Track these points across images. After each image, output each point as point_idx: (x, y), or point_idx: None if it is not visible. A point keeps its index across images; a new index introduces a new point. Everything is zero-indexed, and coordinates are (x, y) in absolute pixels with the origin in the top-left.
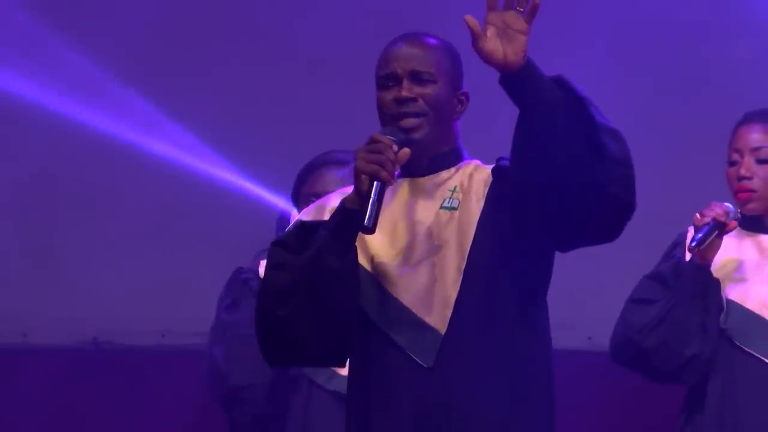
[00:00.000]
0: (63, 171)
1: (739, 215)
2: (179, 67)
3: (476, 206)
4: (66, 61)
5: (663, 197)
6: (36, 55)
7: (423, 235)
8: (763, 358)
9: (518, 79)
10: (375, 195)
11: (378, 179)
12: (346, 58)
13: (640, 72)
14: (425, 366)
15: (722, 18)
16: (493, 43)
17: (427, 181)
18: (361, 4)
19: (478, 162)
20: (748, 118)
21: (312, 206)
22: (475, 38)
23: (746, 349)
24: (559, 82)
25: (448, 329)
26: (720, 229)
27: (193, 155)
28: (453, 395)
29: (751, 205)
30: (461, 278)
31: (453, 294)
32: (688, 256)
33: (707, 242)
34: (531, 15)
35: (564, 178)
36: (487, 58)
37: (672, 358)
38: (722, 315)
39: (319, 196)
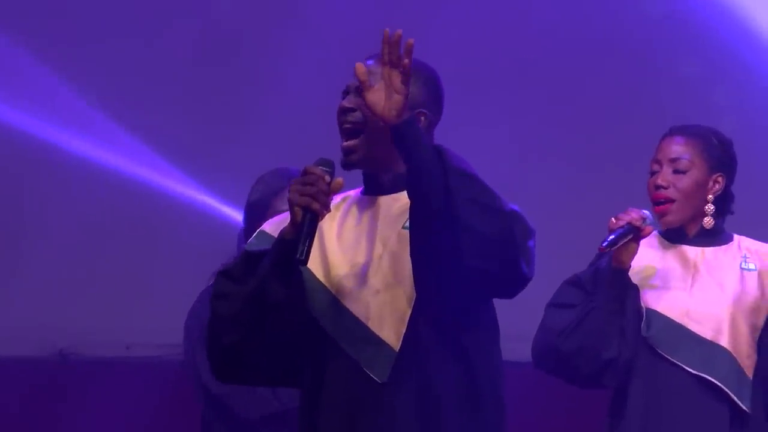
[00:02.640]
0: (27, 184)
1: (658, 226)
2: (136, 78)
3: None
4: (18, 70)
5: (610, 212)
6: None
7: (383, 252)
8: (685, 366)
9: (397, 134)
10: (306, 228)
11: (310, 211)
12: (310, 72)
13: (584, 88)
14: (378, 381)
15: (668, 36)
16: (377, 96)
17: (390, 200)
18: (327, 22)
19: None
20: (671, 131)
21: (275, 220)
22: (362, 87)
23: (669, 357)
24: (438, 151)
25: (402, 345)
26: (635, 233)
27: (155, 170)
28: (404, 410)
29: (668, 218)
30: (416, 296)
31: (408, 311)
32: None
33: (619, 244)
34: (406, 76)
35: (430, 243)
36: (370, 109)
37: (591, 361)
38: (643, 323)
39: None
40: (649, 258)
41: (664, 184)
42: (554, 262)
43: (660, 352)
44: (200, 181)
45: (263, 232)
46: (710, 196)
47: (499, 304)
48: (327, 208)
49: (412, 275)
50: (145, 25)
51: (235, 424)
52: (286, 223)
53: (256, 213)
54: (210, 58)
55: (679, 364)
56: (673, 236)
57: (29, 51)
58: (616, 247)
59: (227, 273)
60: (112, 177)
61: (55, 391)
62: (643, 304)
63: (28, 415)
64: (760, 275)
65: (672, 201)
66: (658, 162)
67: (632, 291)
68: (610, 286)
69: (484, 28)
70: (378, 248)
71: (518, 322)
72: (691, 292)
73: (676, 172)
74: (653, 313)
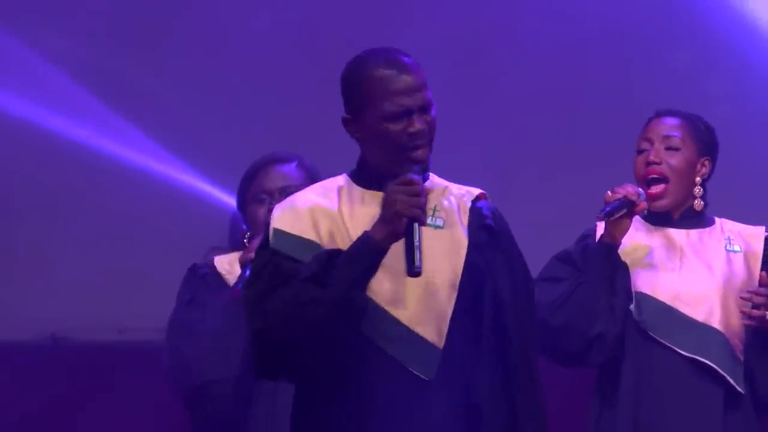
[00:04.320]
0: (19, 171)
1: (646, 211)
2: (133, 68)
3: (460, 229)
4: (21, 62)
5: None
6: None
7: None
8: (679, 350)
9: None
10: (418, 238)
11: (418, 222)
12: (301, 61)
13: (574, 78)
14: (425, 379)
15: (660, 25)
16: None
17: None
18: (317, 11)
19: (441, 182)
20: (660, 113)
21: (284, 212)
22: None
23: (662, 341)
24: None
25: (445, 343)
26: (629, 207)
27: (147, 155)
28: (450, 407)
29: (663, 201)
30: (456, 294)
31: (449, 309)
32: (599, 233)
33: (615, 216)
34: None
35: None
36: None
37: (578, 337)
38: (633, 307)
39: (269, 192)
40: (637, 237)
41: (657, 159)
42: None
43: (653, 335)
44: (192, 165)
45: (284, 233)
46: (698, 178)
47: None
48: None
49: (448, 272)
50: (142, 13)
51: (220, 406)
52: (303, 221)
53: (239, 199)
54: (205, 46)
55: (673, 347)
56: (658, 219)
57: (28, 42)
58: (612, 218)
59: (312, 278)
60: (103, 162)
61: (48, 376)
62: (634, 287)
63: (21, 399)
64: (746, 256)
65: (666, 181)
66: (649, 140)
67: (622, 270)
68: (600, 262)
69: (474, 21)
70: (435, 248)
71: None
72: (680, 274)
73: (668, 149)
74: (643, 297)
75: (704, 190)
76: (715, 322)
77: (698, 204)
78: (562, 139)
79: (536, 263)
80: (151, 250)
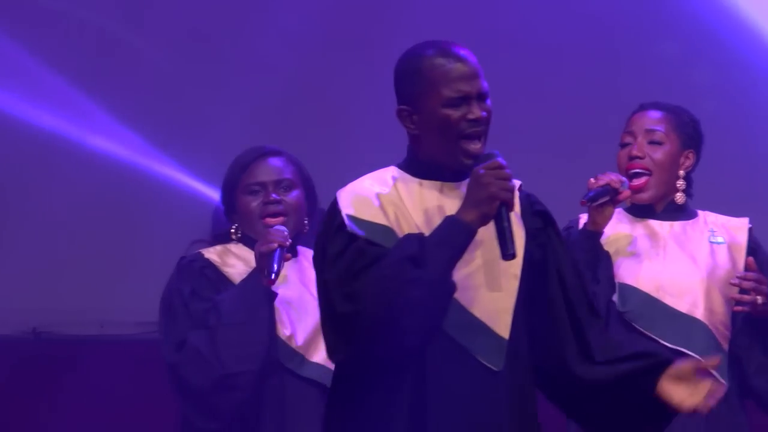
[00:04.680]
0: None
1: (629, 201)
2: (111, 57)
3: (516, 219)
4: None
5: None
6: None
7: (478, 239)
8: (660, 340)
9: None
10: (508, 221)
11: (508, 206)
12: (282, 55)
13: (560, 69)
14: (495, 369)
15: (647, 16)
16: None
17: (458, 187)
18: (302, 6)
19: None
20: (644, 106)
21: (352, 199)
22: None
23: (644, 331)
24: None
25: (510, 334)
26: (612, 195)
27: (127, 147)
28: (515, 397)
29: (645, 194)
30: (518, 285)
31: (512, 301)
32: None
33: (599, 201)
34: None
35: None
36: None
37: None
38: (617, 298)
39: (263, 185)
40: (618, 230)
41: (640, 154)
42: None
43: (636, 326)
44: (175, 159)
45: (358, 218)
46: (682, 171)
47: None
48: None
49: (509, 264)
50: (126, 7)
51: (239, 399)
52: (372, 208)
53: (227, 190)
54: (188, 40)
55: (656, 338)
56: (641, 211)
57: (6, 34)
58: (596, 203)
59: (410, 258)
60: (86, 156)
61: (29, 370)
62: (617, 278)
63: (2, 393)
64: (729, 248)
65: (648, 174)
66: (632, 134)
67: (605, 259)
68: (582, 249)
69: (461, 13)
70: (476, 239)
71: None
72: (664, 265)
73: (651, 143)
74: (627, 288)
75: (688, 182)
76: (699, 314)
77: (680, 197)
78: (548, 131)
79: None
80: (132, 243)
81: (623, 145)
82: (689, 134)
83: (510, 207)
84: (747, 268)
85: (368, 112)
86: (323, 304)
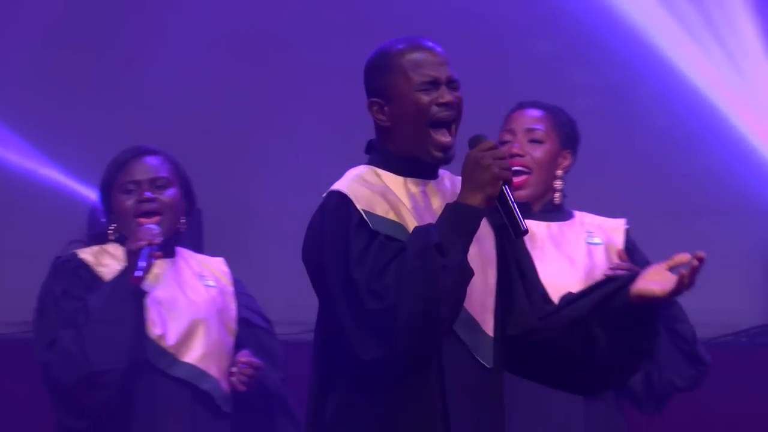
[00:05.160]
0: None
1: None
2: None
3: (485, 220)
4: None
5: None
6: None
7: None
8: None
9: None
10: (513, 199)
11: (508, 184)
12: (163, 51)
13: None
14: (488, 366)
15: (524, 15)
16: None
17: (436, 185)
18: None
19: (443, 171)
20: (523, 105)
21: (361, 196)
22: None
23: None
24: None
25: (493, 334)
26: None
27: (1, 145)
28: (504, 393)
29: (523, 192)
30: (495, 283)
31: (492, 300)
32: None
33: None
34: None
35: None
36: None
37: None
38: None
39: (138, 183)
40: None
41: (520, 152)
42: None
43: None
44: (51, 158)
45: (373, 214)
46: (559, 171)
47: None
48: None
49: (492, 266)
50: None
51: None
52: (380, 203)
53: (104, 189)
54: (68, 39)
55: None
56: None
57: None
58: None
59: (437, 247)
60: None
61: None
62: None
63: None
64: (606, 249)
65: (528, 172)
66: (512, 131)
67: None
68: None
69: (347, 12)
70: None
71: None
72: (541, 266)
73: (531, 141)
74: None
75: (563, 182)
76: None
77: (558, 197)
78: None
79: None
80: (7, 243)
81: (502, 143)
82: (567, 134)
83: (510, 185)
84: (620, 259)
85: (252, 112)
86: (349, 304)
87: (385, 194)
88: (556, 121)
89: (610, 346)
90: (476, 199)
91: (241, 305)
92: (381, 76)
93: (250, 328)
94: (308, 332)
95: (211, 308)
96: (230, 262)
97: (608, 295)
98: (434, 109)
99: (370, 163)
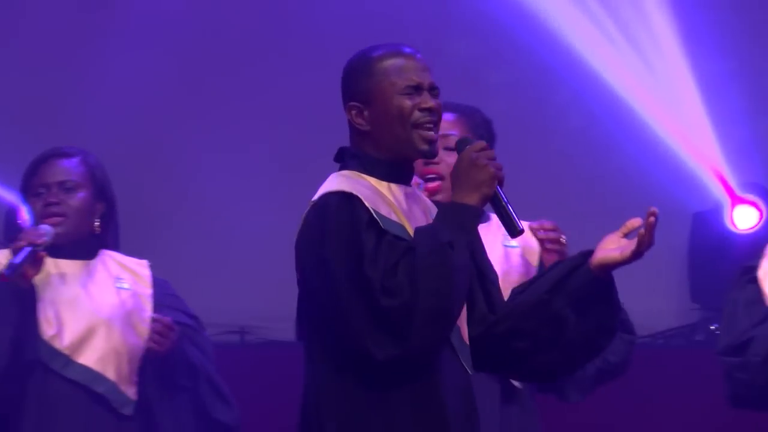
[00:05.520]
0: None
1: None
2: None
3: None
4: None
5: None
6: None
7: None
8: None
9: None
10: (506, 200)
11: (501, 185)
12: (86, 55)
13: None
14: (470, 373)
15: (440, 15)
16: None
17: (413, 191)
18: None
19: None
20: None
21: (366, 197)
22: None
23: None
24: None
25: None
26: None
27: None
28: (478, 399)
29: (438, 197)
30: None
31: (465, 310)
32: None
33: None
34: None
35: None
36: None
37: None
38: None
39: (47, 186)
40: None
41: (435, 159)
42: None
43: None
44: None
45: (379, 214)
46: None
47: None
48: None
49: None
50: None
51: None
52: (383, 205)
53: (22, 192)
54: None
55: None
56: None
57: None
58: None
59: (449, 244)
60: None
61: None
62: None
63: None
64: (523, 252)
65: (442, 178)
66: None
67: None
68: None
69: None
70: None
71: None
72: None
73: (446, 149)
74: None
75: None
76: None
77: None
78: (338, 134)
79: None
80: None
81: None
82: (483, 136)
83: (502, 185)
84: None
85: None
86: (360, 302)
87: (381, 195)
88: (470, 123)
89: (578, 324)
90: (473, 199)
91: (165, 306)
92: (361, 80)
93: (178, 328)
94: (226, 333)
95: (118, 310)
96: (152, 263)
97: (566, 274)
98: (417, 114)
99: (344, 169)
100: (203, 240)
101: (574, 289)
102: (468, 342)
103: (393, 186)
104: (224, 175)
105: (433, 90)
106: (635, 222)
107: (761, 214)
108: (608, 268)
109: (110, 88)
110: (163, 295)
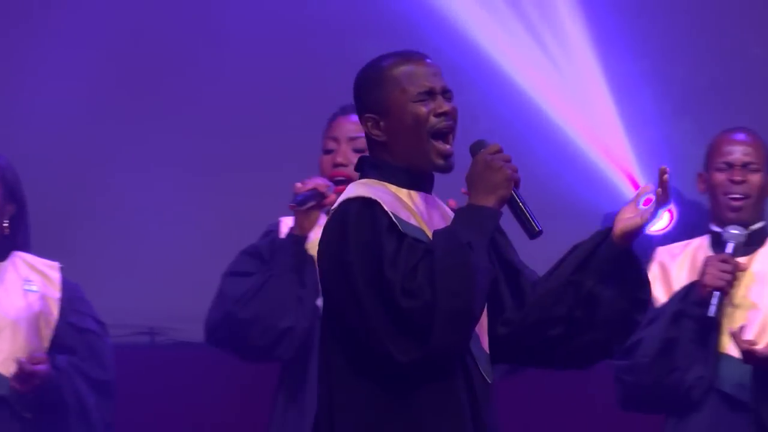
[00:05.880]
0: None
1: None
2: None
3: None
4: None
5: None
6: None
7: None
8: None
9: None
10: (524, 201)
11: (516, 186)
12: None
13: (261, 70)
14: (489, 381)
15: (349, 15)
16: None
17: (433, 199)
18: None
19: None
20: (346, 110)
21: (386, 201)
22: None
23: None
24: None
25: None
26: (319, 199)
27: None
28: (496, 409)
29: None
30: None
31: (486, 321)
32: (283, 229)
33: (307, 206)
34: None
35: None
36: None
37: (267, 330)
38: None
39: None
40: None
41: (344, 161)
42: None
43: None
44: None
45: (399, 218)
46: None
47: None
48: None
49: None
50: None
51: None
52: (403, 210)
53: None
54: None
55: None
56: None
57: None
58: (304, 207)
59: (469, 245)
60: None
61: None
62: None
63: None
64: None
65: (351, 180)
66: (336, 140)
67: (310, 263)
68: (288, 254)
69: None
70: None
71: None
72: None
73: (355, 150)
74: None
75: None
76: None
77: None
78: (248, 136)
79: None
80: None
81: (327, 152)
82: None
83: (518, 187)
84: None
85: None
86: (380, 305)
87: (401, 201)
88: None
89: (611, 301)
90: (490, 201)
91: (73, 310)
92: (374, 91)
93: (81, 333)
94: (136, 334)
95: (24, 313)
96: (64, 264)
97: (590, 253)
98: (433, 120)
99: (368, 175)
100: (114, 241)
101: (602, 264)
102: (488, 350)
103: (413, 193)
104: (137, 176)
105: (446, 93)
106: (647, 188)
107: (672, 216)
108: (630, 236)
109: (22, 88)
110: (72, 299)
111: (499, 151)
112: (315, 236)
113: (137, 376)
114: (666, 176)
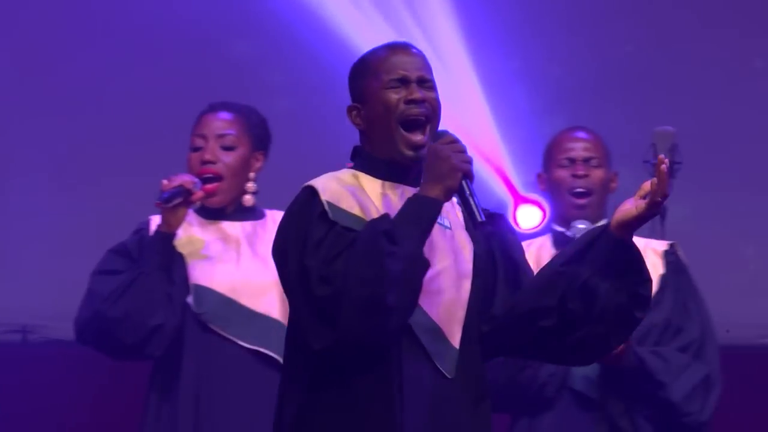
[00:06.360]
0: None
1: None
2: None
3: (463, 233)
4: None
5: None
6: None
7: (435, 246)
8: (237, 340)
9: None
10: (471, 190)
11: (469, 177)
12: None
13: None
14: (448, 377)
15: (218, 15)
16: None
17: (413, 190)
18: None
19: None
20: (214, 107)
21: (330, 190)
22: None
23: (221, 332)
24: None
25: (461, 344)
26: (186, 195)
27: None
28: (468, 404)
29: (217, 198)
30: (468, 298)
31: (463, 312)
32: (153, 227)
33: (173, 203)
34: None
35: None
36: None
37: (137, 327)
38: (192, 299)
39: None
40: (191, 233)
41: (212, 159)
42: None
43: (213, 328)
44: None
45: (336, 207)
46: (252, 174)
47: None
48: None
49: (466, 276)
50: None
51: None
52: (348, 199)
53: None
54: None
55: (234, 339)
56: (211, 213)
57: None
58: (170, 204)
59: (386, 233)
60: None
61: None
62: (191, 279)
63: None
64: None
65: (220, 178)
66: (203, 137)
67: (179, 260)
68: (156, 252)
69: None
70: (448, 248)
71: None
72: (238, 266)
73: (223, 148)
74: (202, 289)
75: (256, 183)
76: (276, 313)
77: (249, 199)
78: (118, 137)
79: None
80: None
81: (195, 149)
82: (259, 136)
83: (470, 178)
84: None
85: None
86: (301, 292)
87: (356, 193)
88: (247, 123)
89: (609, 295)
90: (435, 191)
91: None
92: (356, 81)
93: None
94: (8, 332)
95: None
96: None
97: (587, 244)
98: (402, 106)
99: (353, 167)
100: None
101: (598, 255)
102: (459, 347)
103: (388, 185)
104: (10, 172)
105: (424, 83)
106: (646, 184)
107: (544, 214)
108: (628, 227)
109: None
110: None
111: (453, 141)
112: (183, 233)
113: (8, 374)
114: (664, 167)
